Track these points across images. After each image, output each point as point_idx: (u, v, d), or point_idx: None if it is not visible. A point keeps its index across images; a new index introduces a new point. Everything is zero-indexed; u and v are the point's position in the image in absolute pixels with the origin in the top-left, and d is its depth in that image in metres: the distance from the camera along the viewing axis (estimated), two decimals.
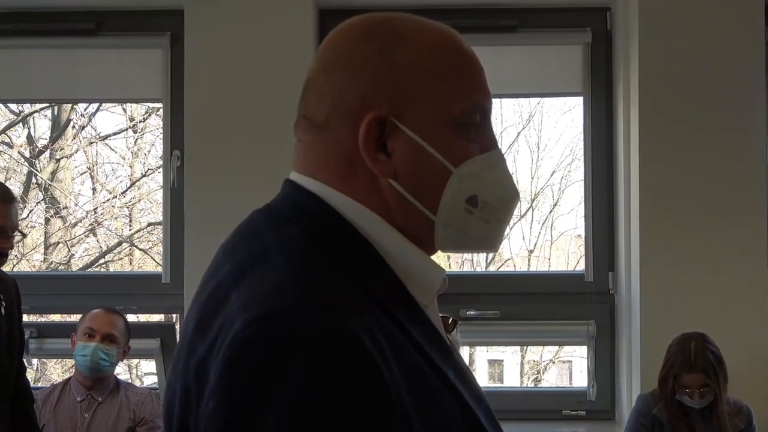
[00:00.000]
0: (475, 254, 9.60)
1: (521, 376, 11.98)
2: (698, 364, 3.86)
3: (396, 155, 1.19)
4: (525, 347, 11.30)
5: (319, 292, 1.09)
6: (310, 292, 1.09)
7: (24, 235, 7.40)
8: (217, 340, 1.09)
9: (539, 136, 10.64)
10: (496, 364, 13.50)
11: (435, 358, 1.16)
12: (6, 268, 3.75)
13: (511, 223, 1.32)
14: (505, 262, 10.82)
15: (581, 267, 4.92)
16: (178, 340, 4.67)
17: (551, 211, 11.11)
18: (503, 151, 1.29)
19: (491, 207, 1.23)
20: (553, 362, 12.03)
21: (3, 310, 3.59)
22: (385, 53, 1.19)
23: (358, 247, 1.18)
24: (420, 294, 1.21)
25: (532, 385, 11.48)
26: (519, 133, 10.18)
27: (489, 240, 1.26)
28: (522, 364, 12.09)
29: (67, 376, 4.31)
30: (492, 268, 10.49)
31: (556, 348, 11.30)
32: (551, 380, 12.03)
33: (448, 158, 1.20)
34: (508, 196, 1.26)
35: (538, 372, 11.85)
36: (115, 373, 4.28)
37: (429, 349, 1.16)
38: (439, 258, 7.09)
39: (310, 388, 1.01)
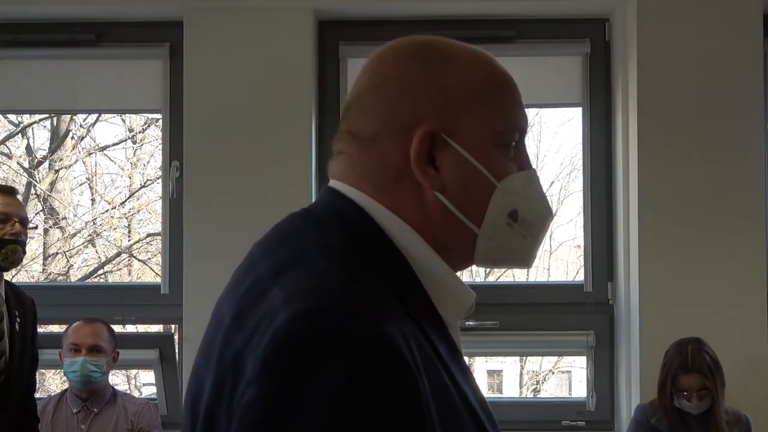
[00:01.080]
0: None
1: (520, 387, 11.97)
2: (695, 366, 3.89)
3: (444, 169, 1.23)
4: (524, 357, 11.29)
5: (362, 296, 1.11)
6: (353, 294, 1.11)
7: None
8: (256, 332, 1.11)
9: (538, 146, 10.65)
10: (496, 375, 13.49)
11: (458, 378, 1.18)
12: (5, 278, 3.75)
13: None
14: (504, 272, 10.81)
15: (580, 277, 4.91)
16: (180, 346, 4.66)
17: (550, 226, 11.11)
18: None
19: (529, 223, 1.28)
20: (553, 372, 12.02)
21: (17, 326, 3.61)
22: (435, 71, 1.24)
23: (394, 260, 1.21)
24: (448, 314, 1.24)
25: (532, 396, 11.47)
26: None
27: (524, 255, 1.30)
28: (521, 374, 12.08)
29: (64, 387, 4.30)
30: (491, 279, 10.48)
31: (555, 358, 11.30)
32: (550, 390, 12.02)
33: (492, 174, 1.24)
34: (545, 213, 1.31)
35: (538, 382, 11.84)
36: (112, 383, 4.28)
37: (454, 369, 1.18)
38: None
39: (349, 387, 1.03)
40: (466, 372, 1.22)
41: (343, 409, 1.02)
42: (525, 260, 1.31)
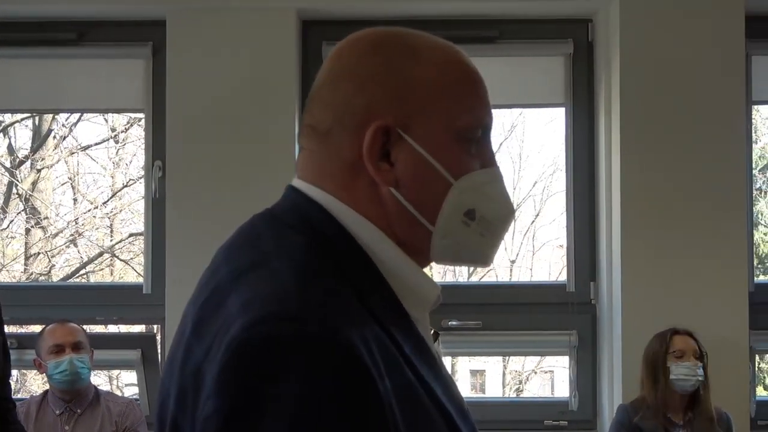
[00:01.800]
0: (467, 267, 9.59)
1: (503, 386, 12.00)
2: (687, 332, 4.03)
3: (398, 165, 1.21)
4: (507, 357, 11.32)
5: (320, 300, 1.10)
6: (310, 299, 1.09)
7: None
8: (214, 342, 1.09)
9: (521, 146, 10.69)
10: (478, 375, 13.52)
11: (425, 374, 1.17)
12: None
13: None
14: (487, 272, 10.82)
15: (563, 277, 4.93)
16: (163, 346, 4.65)
17: (533, 222, 11.14)
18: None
19: (487, 222, 1.25)
20: (535, 372, 12.05)
21: None
22: (393, 65, 1.22)
23: (357, 258, 1.20)
24: (413, 308, 1.23)
25: (515, 396, 11.49)
26: (501, 144, 10.22)
27: (483, 254, 1.28)
28: (504, 374, 12.10)
29: (46, 387, 4.28)
30: (474, 279, 10.49)
31: (538, 358, 11.32)
32: (533, 390, 12.05)
33: (449, 171, 1.22)
34: (505, 212, 1.28)
35: (521, 382, 11.86)
36: (94, 384, 4.26)
37: (420, 366, 1.17)
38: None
39: (307, 395, 1.01)
40: (435, 367, 1.21)
41: (300, 420, 1.01)
42: (484, 259, 1.29)
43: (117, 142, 9.92)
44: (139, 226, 8.75)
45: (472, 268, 10.29)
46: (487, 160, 1.27)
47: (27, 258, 9.90)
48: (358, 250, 1.20)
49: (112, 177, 10.03)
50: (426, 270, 1.30)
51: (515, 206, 1.31)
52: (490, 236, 1.27)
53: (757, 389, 4.80)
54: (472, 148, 1.25)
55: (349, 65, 1.24)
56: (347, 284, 1.15)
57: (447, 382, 1.22)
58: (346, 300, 1.13)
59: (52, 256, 9.86)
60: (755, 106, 5.20)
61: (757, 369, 4.83)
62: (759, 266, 9.30)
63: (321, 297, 1.10)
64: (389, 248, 1.22)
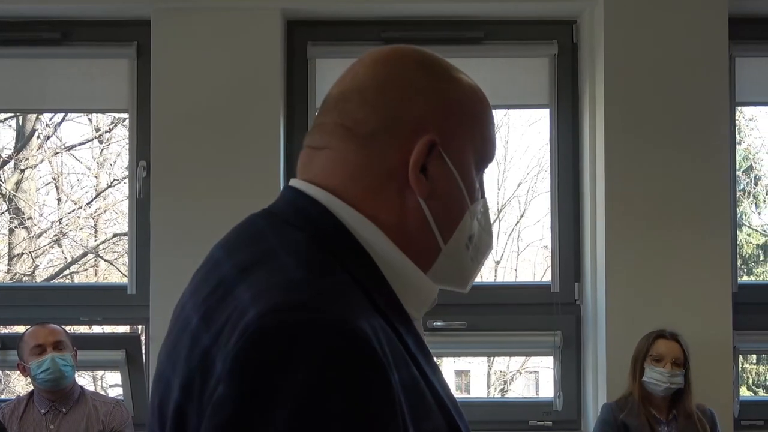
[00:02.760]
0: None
1: (488, 387, 12.00)
2: (675, 337, 4.05)
3: (433, 179, 1.25)
4: (492, 358, 11.32)
5: (331, 291, 1.12)
6: (321, 289, 1.11)
7: None
8: (224, 330, 1.10)
9: (506, 147, 10.68)
10: (463, 375, 13.51)
11: (426, 370, 1.19)
12: None
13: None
14: None
15: (548, 278, 4.94)
16: (147, 347, 4.64)
17: (518, 222, 11.14)
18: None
19: (477, 249, 1.32)
20: (520, 373, 12.05)
21: None
22: (440, 84, 1.27)
23: (359, 256, 1.22)
24: (412, 308, 1.26)
25: (499, 396, 11.50)
26: None
27: (468, 279, 1.35)
28: (489, 374, 12.11)
29: (31, 388, 4.27)
30: None
31: (522, 358, 11.33)
32: (518, 391, 12.05)
33: (469, 194, 1.28)
34: (490, 243, 1.36)
35: (505, 382, 11.87)
36: (79, 383, 4.25)
37: (422, 362, 1.20)
38: None
39: (321, 382, 1.03)
40: (434, 366, 1.23)
41: (314, 406, 1.02)
42: (466, 283, 1.35)
43: (101, 142, 9.88)
44: (124, 226, 8.73)
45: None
46: (483, 192, 1.34)
47: (10, 258, 9.85)
48: (358, 247, 1.22)
49: (97, 177, 9.99)
50: None
51: (499, 211, 1.37)
52: (476, 263, 1.33)
53: (740, 389, 4.81)
54: (478, 176, 1.31)
55: (398, 75, 1.27)
56: (351, 279, 1.17)
57: (443, 383, 1.24)
58: (354, 292, 1.15)
59: (36, 257, 9.81)
60: (739, 108, 5.22)
61: (740, 369, 4.84)
62: (743, 267, 9.34)
63: (331, 288, 1.12)
64: (389, 247, 1.24)
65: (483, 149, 1.30)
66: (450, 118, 1.26)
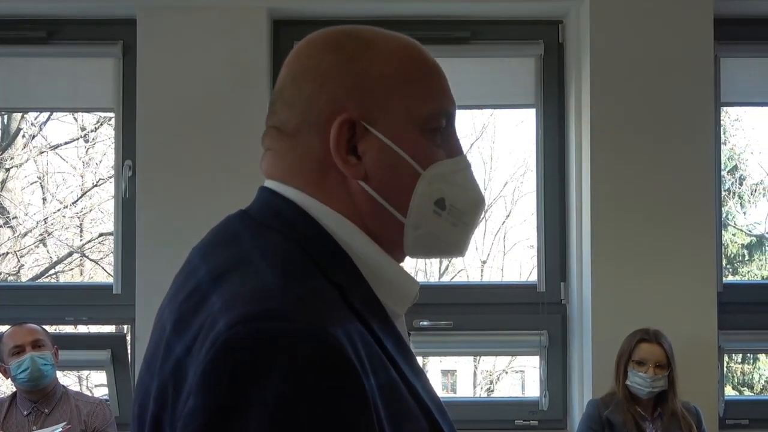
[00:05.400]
0: (439, 261, 9.59)
1: (474, 387, 12.02)
2: (657, 338, 4.04)
3: (366, 158, 1.22)
4: (478, 357, 11.34)
5: (303, 298, 1.10)
6: (294, 296, 1.09)
7: None
8: (197, 339, 1.09)
9: (492, 147, 10.71)
10: (450, 374, 13.52)
11: (406, 372, 1.18)
12: None
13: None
14: (458, 272, 10.85)
15: (534, 277, 4.94)
16: (133, 347, 4.63)
17: (504, 222, 11.16)
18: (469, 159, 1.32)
19: (458, 210, 1.26)
20: (506, 372, 12.07)
21: None
22: (352, 60, 1.23)
23: (335, 255, 1.20)
24: (393, 305, 1.24)
25: (485, 395, 11.51)
26: (472, 145, 10.24)
27: (457, 244, 1.29)
28: (475, 374, 12.13)
29: (14, 389, 4.25)
30: (445, 279, 10.52)
31: (509, 358, 11.35)
32: (504, 390, 12.07)
33: (416, 161, 1.23)
34: (475, 200, 1.29)
35: (491, 382, 11.89)
36: (64, 384, 4.24)
37: (401, 363, 1.18)
38: None
39: (293, 393, 1.01)
40: (415, 366, 1.21)
41: (285, 416, 1.01)
42: (458, 249, 1.30)
43: (87, 141, 9.86)
44: (109, 225, 8.70)
45: (443, 268, 10.31)
46: (454, 150, 1.28)
47: None
48: (336, 246, 1.20)
49: (82, 176, 9.96)
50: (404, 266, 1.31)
51: (484, 194, 1.30)
52: (463, 225, 1.27)
53: (725, 388, 4.83)
54: (438, 138, 1.25)
55: (308, 64, 1.24)
56: (328, 281, 1.15)
57: (425, 382, 1.22)
58: (329, 297, 1.13)
59: (21, 256, 9.78)
60: (724, 108, 5.23)
61: (725, 368, 4.86)
62: (728, 266, 9.37)
63: (304, 295, 1.10)
64: (366, 244, 1.23)
65: (429, 107, 1.24)
66: (370, 90, 1.22)
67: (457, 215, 1.26)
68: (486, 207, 1.35)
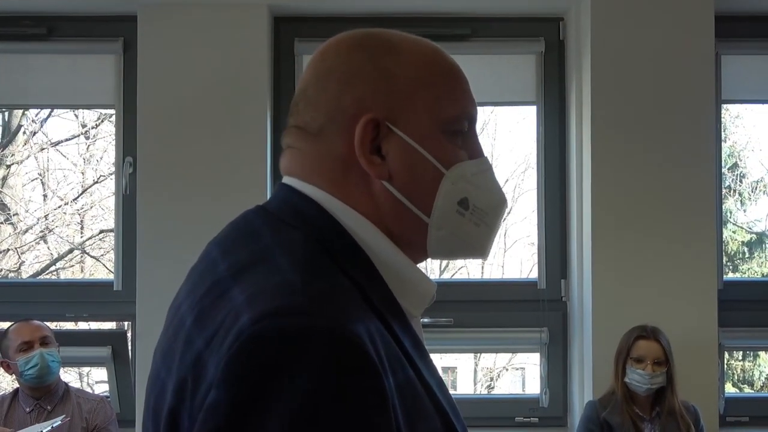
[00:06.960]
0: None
1: (475, 383, 12.02)
2: (655, 335, 4.04)
3: (390, 158, 1.22)
4: (478, 354, 11.34)
5: (326, 295, 1.10)
6: (317, 293, 1.10)
7: None
8: (218, 333, 1.09)
9: (493, 144, 10.70)
10: (450, 371, 13.52)
11: (423, 371, 1.18)
12: None
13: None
14: (459, 269, 10.85)
15: (534, 275, 4.94)
16: (133, 343, 4.63)
17: (505, 219, 11.15)
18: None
19: (481, 211, 1.27)
20: (507, 369, 12.07)
21: None
22: (377, 61, 1.24)
23: (354, 254, 1.20)
24: (410, 305, 1.24)
25: (486, 392, 11.52)
26: None
27: (479, 244, 1.29)
28: (475, 371, 12.12)
29: (15, 385, 4.25)
30: (446, 276, 10.51)
31: (509, 355, 11.35)
32: (504, 387, 12.07)
33: (440, 162, 1.24)
34: (498, 201, 1.30)
35: (492, 379, 11.89)
36: (65, 380, 4.24)
37: (418, 362, 1.18)
38: None
39: (314, 390, 1.02)
40: (430, 365, 1.22)
41: (307, 413, 1.01)
42: (481, 250, 1.30)
43: (87, 138, 9.85)
44: (110, 222, 8.69)
45: (444, 265, 10.30)
46: (475, 152, 1.28)
47: None
48: (355, 246, 1.21)
49: (83, 173, 9.96)
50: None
51: (507, 196, 1.30)
52: (485, 226, 1.28)
53: (725, 386, 4.83)
54: (459, 140, 1.26)
55: (334, 65, 1.25)
56: (348, 279, 1.16)
57: (440, 381, 1.23)
58: (350, 295, 1.14)
59: (22, 253, 9.78)
60: (725, 105, 5.23)
61: (725, 366, 4.86)
62: (728, 264, 9.37)
63: (327, 292, 1.11)
64: (386, 244, 1.23)
65: (452, 109, 1.25)
66: (395, 91, 1.23)
67: (479, 215, 1.27)
68: (508, 206, 1.35)
